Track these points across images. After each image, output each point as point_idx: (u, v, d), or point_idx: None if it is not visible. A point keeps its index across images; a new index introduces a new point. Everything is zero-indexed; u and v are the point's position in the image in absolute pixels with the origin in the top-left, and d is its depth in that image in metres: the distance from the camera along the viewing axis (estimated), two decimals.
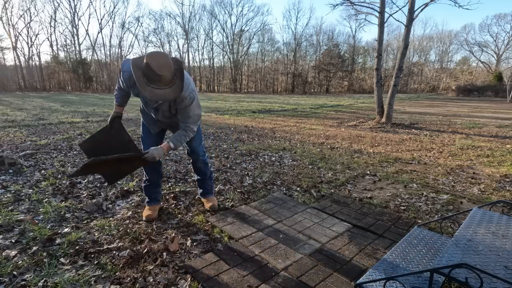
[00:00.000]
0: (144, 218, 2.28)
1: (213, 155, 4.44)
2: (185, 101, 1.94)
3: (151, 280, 1.60)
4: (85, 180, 3.16)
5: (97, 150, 2.17)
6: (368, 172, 3.76)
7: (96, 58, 38.99)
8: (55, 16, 35.28)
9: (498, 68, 38.79)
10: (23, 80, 33.42)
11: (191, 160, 2.55)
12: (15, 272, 1.62)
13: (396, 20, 9.14)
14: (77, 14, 35.96)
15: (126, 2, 63.90)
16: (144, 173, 2.41)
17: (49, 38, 37.05)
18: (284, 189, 3.10)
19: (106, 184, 3.03)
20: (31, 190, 2.82)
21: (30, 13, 35.86)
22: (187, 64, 42.99)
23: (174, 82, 1.78)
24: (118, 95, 2.18)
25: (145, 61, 1.69)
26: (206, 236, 2.09)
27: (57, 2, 34.88)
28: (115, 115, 2.16)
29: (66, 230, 2.10)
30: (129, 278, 1.61)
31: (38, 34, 45.46)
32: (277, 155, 4.59)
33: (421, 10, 8.15)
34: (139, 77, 1.72)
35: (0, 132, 6.04)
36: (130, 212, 2.43)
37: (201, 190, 2.63)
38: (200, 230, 2.17)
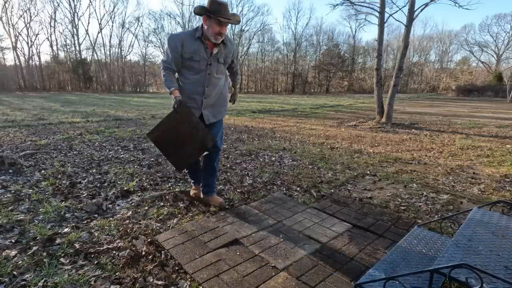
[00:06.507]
0: (192, 194, 2.77)
1: None
2: (234, 41, 2.44)
3: (151, 280, 1.60)
4: (85, 180, 3.16)
5: (167, 137, 2.29)
6: (368, 172, 3.76)
7: (96, 58, 38.97)
8: (55, 16, 35.35)
9: (498, 68, 38.79)
10: (23, 80, 33.41)
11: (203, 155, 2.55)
12: (15, 272, 1.62)
13: (396, 20, 9.14)
14: (77, 14, 36.01)
15: (126, 2, 63.85)
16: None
17: (49, 38, 37.02)
18: (284, 189, 3.10)
19: (107, 184, 2.94)
20: (31, 190, 2.83)
21: (30, 13, 35.99)
22: None
23: None
24: (172, 80, 2.24)
25: (208, 2, 2.06)
26: None
27: (57, 2, 34.97)
28: (179, 99, 2.21)
29: (66, 230, 2.10)
30: (129, 278, 1.61)
31: (38, 34, 45.55)
32: (277, 155, 4.59)
33: (421, 10, 8.16)
34: (209, 14, 2.05)
35: (0, 132, 6.04)
36: (130, 212, 2.43)
37: (206, 188, 2.64)
38: None
